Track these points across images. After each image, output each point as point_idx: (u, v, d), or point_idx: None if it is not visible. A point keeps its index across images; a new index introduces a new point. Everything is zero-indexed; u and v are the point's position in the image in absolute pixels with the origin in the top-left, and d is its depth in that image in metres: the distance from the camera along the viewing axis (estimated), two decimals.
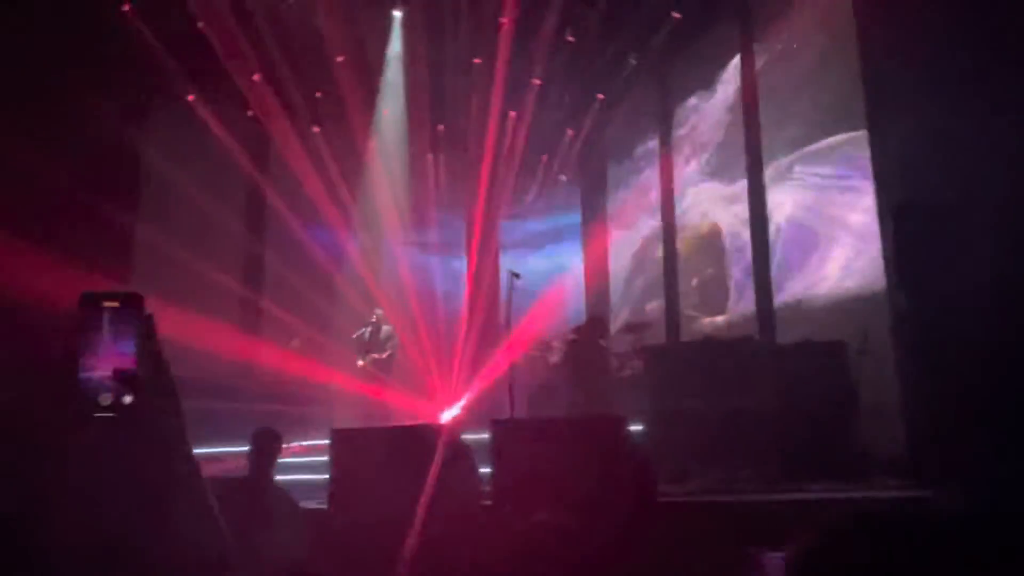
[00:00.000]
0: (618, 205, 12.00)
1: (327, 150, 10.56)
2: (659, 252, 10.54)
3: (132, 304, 1.20)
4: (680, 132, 10.50)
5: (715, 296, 9.55)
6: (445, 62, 10.51)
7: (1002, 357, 4.29)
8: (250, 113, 10.28)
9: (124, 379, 1.16)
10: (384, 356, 9.25)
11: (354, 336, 9.39)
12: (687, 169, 10.33)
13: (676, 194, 10.37)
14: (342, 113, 10.33)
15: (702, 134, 10.07)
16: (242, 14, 9.20)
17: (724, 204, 9.53)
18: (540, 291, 10.52)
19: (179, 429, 1.24)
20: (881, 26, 6.01)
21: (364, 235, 11.17)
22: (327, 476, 4.76)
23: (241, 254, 10.64)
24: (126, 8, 8.46)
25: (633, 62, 10.27)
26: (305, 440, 7.48)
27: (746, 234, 8.88)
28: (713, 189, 9.76)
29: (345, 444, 4.83)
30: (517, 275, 7.42)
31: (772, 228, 8.54)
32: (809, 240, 8.16)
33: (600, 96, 10.97)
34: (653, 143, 10.96)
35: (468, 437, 5.08)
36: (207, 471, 1.30)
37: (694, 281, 9.92)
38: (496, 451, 4.57)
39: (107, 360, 1.16)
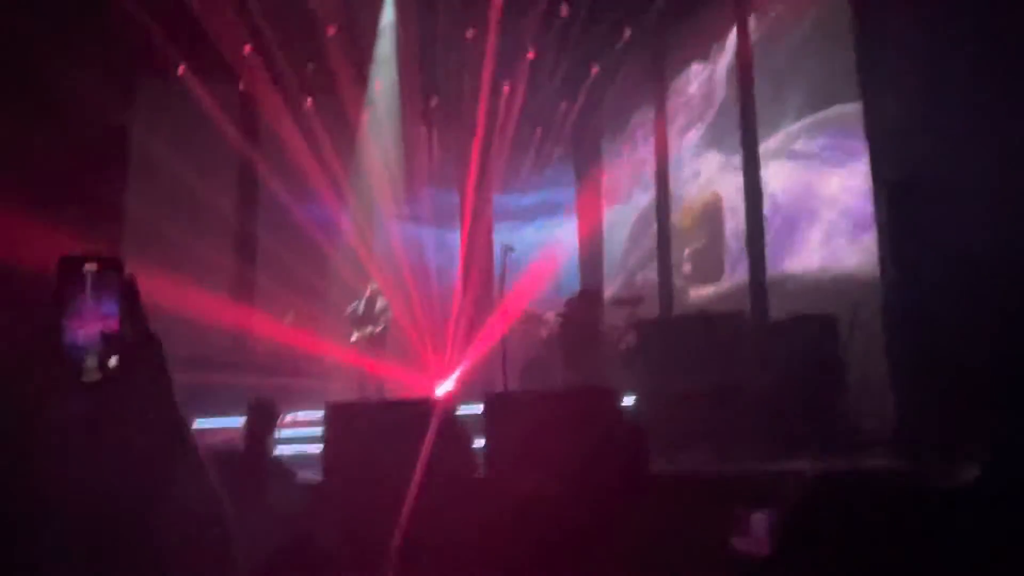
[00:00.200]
0: (613, 177, 11.97)
1: (319, 123, 10.47)
2: (654, 224, 10.55)
3: (112, 266, 1.20)
4: (677, 103, 10.44)
5: (709, 266, 9.58)
6: (438, 35, 10.39)
7: (992, 333, 4.33)
8: (241, 87, 10.18)
9: (109, 341, 1.15)
10: (378, 330, 9.26)
11: (347, 310, 9.39)
12: (685, 139, 10.30)
13: (673, 164, 10.35)
14: (334, 86, 10.23)
15: (700, 104, 10.02)
16: None
17: (726, 173, 9.47)
18: (534, 264, 10.53)
19: (167, 388, 1.22)
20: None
21: (357, 208, 11.12)
22: (321, 449, 4.80)
23: (233, 228, 10.59)
24: None
25: (628, 33, 10.18)
26: (300, 413, 7.52)
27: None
28: (716, 159, 9.73)
29: (340, 418, 4.86)
30: (511, 248, 7.42)
31: (767, 201, 8.54)
32: (803, 214, 8.17)
33: (595, 69, 10.89)
34: (648, 115, 10.90)
35: (462, 411, 5.12)
36: (203, 444, 1.30)
37: (687, 251, 9.96)
38: (489, 424, 4.60)
39: (91, 323, 1.15)
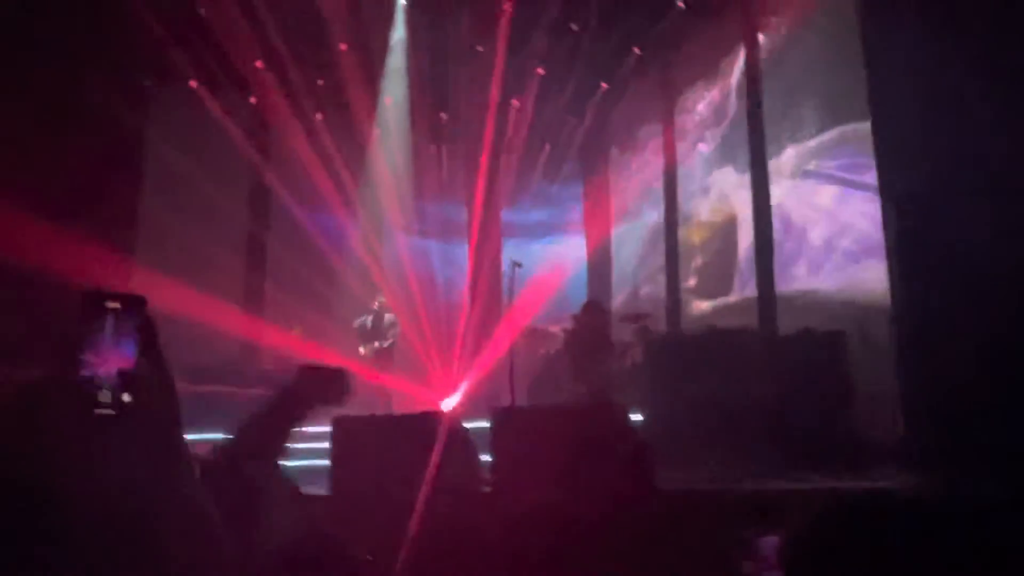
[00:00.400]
0: (621, 193, 11.98)
1: (329, 137, 10.54)
2: (662, 240, 10.54)
3: (134, 306, 1.23)
4: (686, 119, 10.47)
5: (716, 281, 9.57)
6: (448, 50, 10.47)
7: (1001, 349, 4.30)
8: (253, 100, 10.27)
9: (124, 379, 1.19)
10: (386, 344, 9.26)
11: (355, 324, 9.40)
12: (694, 156, 10.31)
13: (682, 180, 10.36)
14: (345, 100, 10.30)
15: (709, 120, 10.04)
16: (244, 0, 9.17)
17: (741, 189, 9.47)
18: (541, 278, 10.52)
19: (176, 431, 1.27)
20: (883, 15, 5.98)
21: (366, 222, 11.16)
22: (328, 463, 4.79)
23: (243, 238, 10.67)
24: None
25: (637, 50, 10.22)
26: (306, 426, 7.51)
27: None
28: (730, 175, 9.74)
29: (347, 432, 4.86)
30: (519, 264, 7.43)
31: (780, 218, 8.52)
32: (811, 229, 8.15)
33: (603, 85, 10.93)
34: (657, 130, 10.92)
35: (469, 425, 5.10)
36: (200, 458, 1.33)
37: (693, 264, 9.95)
38: (496, 439, 4.59)
39: (109, 360, 1.19)
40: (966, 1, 5.09)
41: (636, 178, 11.54)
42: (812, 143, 8.27)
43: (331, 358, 9.48)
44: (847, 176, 7.71)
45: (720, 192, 9.84)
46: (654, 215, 10.97)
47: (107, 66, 7.86)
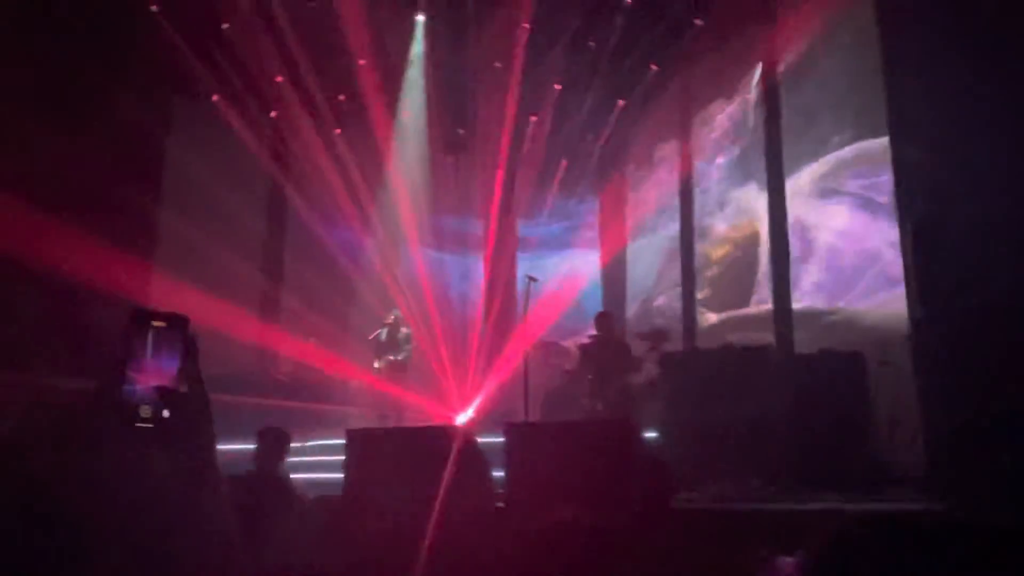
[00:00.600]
0: (637, 208, 11.97)
1: (348, 150, 10.64)
2: (678, 256, 10.52)
3: (178, 325, 1.29)
4: (703, 135, 10.47)
5: (731, 294, 9.52)
6: (466, 66, 10.55)
7: (1021, 371, 4.24)
8: (273, 114, 10.38)
9: (164, 395, 1.25)
10: (400, 358, 9.27)
11: (370, 337, 9.43)
12: (711, 171, 10.30)
13: (699, 196, 10.35)
14: (363, 115, 10.40)
15: (727, 137, 10.04)
16: (266, 16, 9.31)
17: (760, 205, 9.42)
18: (556, 293, 10.52)
19: (210, 448, 1.32)
20: (904, 34, 5.96)
21: (383, 235, 11.23)
22: (342, 475, 4.79)
23: (261, 249, 10.77)
24: (154, 8, 8.61)
25: (654, 68, 10.25)
26: (320, 439, 7.53)
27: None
28: (751, 191, 9.71)
29: (360, 445, 4.86)
30: (534, 279, 7.42)
31: (800, 235, 8.47)
32: (830, 248, 8.10)
33: (621, 102, 10.95)
34: (674, 146, 10.93)
35: (482, 440, 5.09)
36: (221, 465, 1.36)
37: (707, 275, 9.92)
38: (509, 454, 4.57)
39: (150, 375, 1.25)
40: (989, 17, 5.05)
41: (652, 193, 11.53)
42: (834, 156, 8.24)
43: (346, 370, 9.52)
44: (868, 193, 7.67)
45: (739, 207, 9.81)
46: (673, 228, 10.95)
47: (134, 81, 8.00)
